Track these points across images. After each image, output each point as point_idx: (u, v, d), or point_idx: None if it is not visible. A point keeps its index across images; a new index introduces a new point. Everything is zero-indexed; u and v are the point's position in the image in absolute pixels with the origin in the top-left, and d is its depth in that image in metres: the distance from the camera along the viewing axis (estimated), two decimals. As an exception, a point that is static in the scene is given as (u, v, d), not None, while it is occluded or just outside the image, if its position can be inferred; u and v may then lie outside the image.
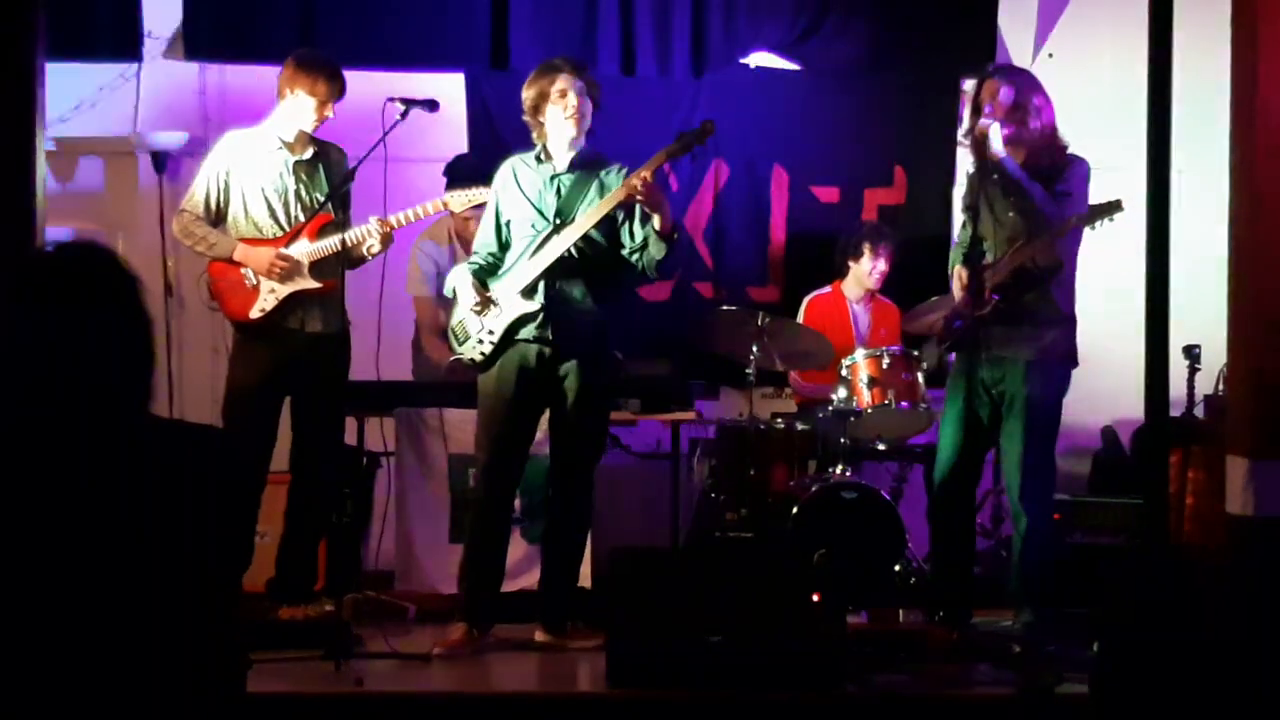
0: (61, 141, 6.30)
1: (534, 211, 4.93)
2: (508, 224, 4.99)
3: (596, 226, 4.85)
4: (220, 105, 6.60)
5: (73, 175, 6.59)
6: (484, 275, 5.00)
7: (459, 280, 5.01)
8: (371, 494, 5.83)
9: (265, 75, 6.10)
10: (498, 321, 4.91)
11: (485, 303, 4.90)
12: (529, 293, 4.88)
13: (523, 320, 4.89)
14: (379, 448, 5.68)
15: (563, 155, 4.96)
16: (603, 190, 4.94)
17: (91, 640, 2.03)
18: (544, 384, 4.93)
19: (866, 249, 6.30)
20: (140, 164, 6.55)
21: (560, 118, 4.89)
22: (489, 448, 4.96)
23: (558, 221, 4.90)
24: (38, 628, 2.02)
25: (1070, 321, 4.99)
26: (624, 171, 4.95)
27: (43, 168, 4.47)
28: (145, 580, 2.05)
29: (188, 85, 6.60)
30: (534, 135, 5.00)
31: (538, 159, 4.98)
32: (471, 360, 4.99)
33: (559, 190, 4.94)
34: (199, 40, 6.51)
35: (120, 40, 6.46)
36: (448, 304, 6.05)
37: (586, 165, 4.97)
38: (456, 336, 5.02)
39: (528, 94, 4.96)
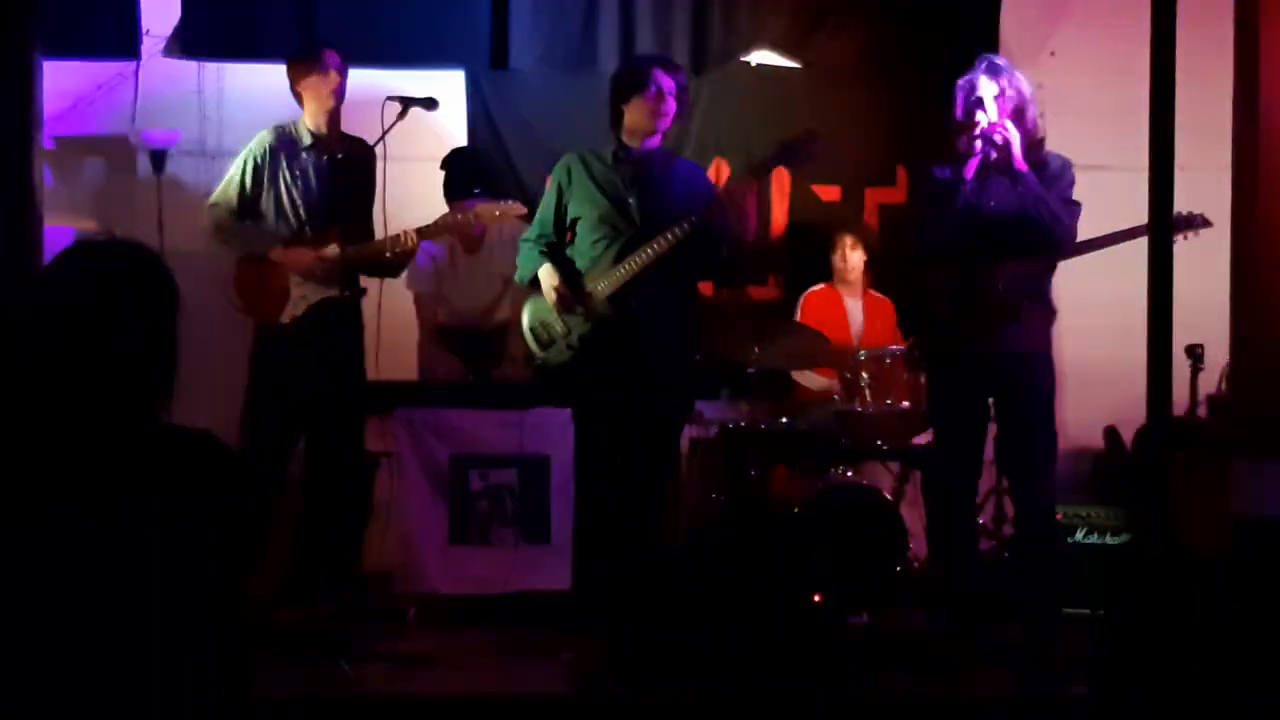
0: (59, 140, 6.28)
1: (614, 212, 4.88)
2: (574, 220, 4.93)
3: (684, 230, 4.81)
4: (218, 104, 6.58)
5: (70, 174, 6.57)
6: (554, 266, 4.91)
7: (544, 276, 4.89)
8: (371, 494, 5.82)
9: (264, 74, 6.10)
10: (589, 326, 4.85)
11: (573, 304, 4.83)
12: (621, 298, 4.83)
13: (616, 326, 4.84)
14: (379, 448, 5.67)
15: (643, 153, 4.91)
16: (688, 193, 4.89)
17: (94, 650, 2.02)
18: (633, 386, 4.87)
19: (840, 240, 6.33)
20: (138, 162, 6.53)
21: (644, 111, 4.85)
22: (584, 452, 4.95)
23: (642, 224, 4.85)
24: (43, 634, 2.02)
25: (1055, 311, 4.98)
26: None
27: (40, 166, 4.46)
28: (150, 590, 2.05)
29: (186, 84, 6.58)
30: (610, 124, 4.96)
31: (615, 156, 4.93)
32: (560, 365, 4.95)
33: (643, 191, 4.89)
34: (197, 39, 6.48)
35: (118, 38, 6.43)
36: (447, 302, 6.06)
37: (669, 166, 4.94)
38: (539, 339, 4.95)
39: (615, 82, 4.93)
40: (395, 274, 5.27)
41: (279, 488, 5.09)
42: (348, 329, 5.21)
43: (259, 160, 5.17)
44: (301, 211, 5.17)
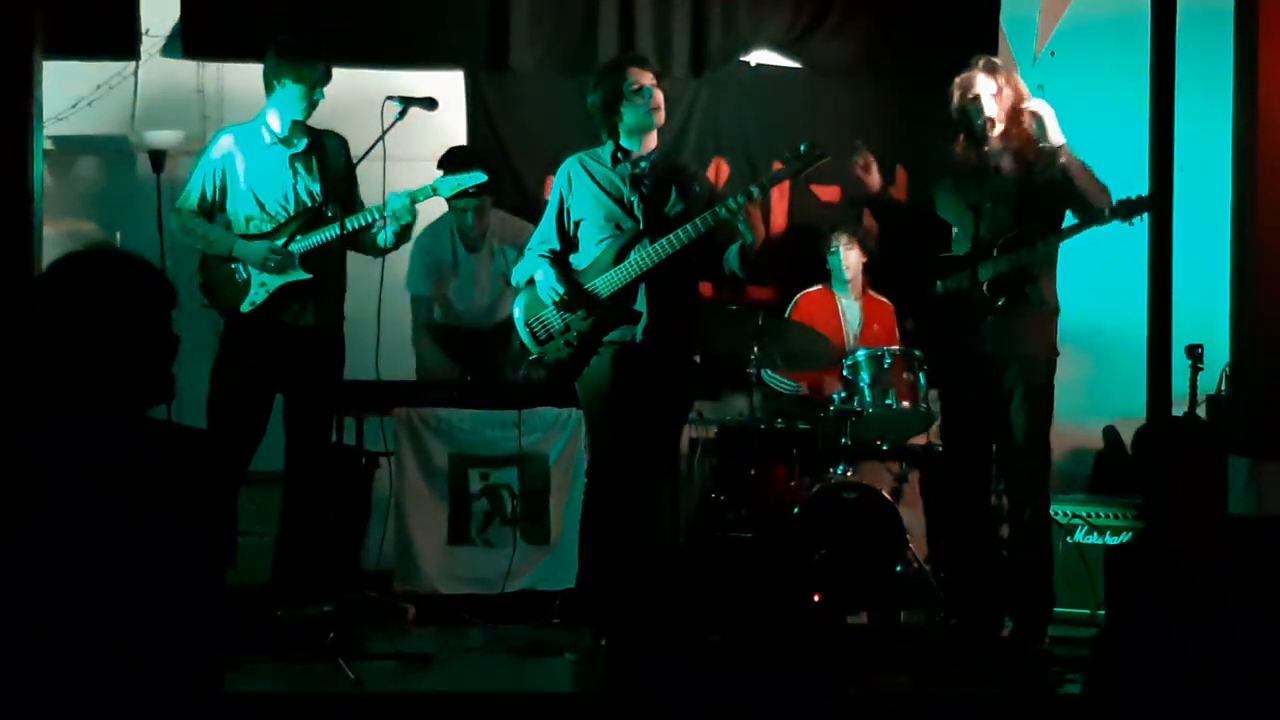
0: (59, 140, 6.28)
1: (618, 212, 4.88)
2: (577, 223, 4.94)
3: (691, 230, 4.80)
4: (218, 103, 6.58)
5: (70, 174, 6.57)
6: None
7: (542, 274, 4.91)
8: (371, 494, 5.82)
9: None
10: (589, 325, 4.86)
11: (576, 302, 4.85)
12: (624, 298, 4.84)
13: (619, 325, 4.85)
14: (379, 448, 5.67)
15: (641, 154, 4.92)
16: (689, 193, 4.90)
17: (80, 640, 2.04)
18: (639, 383, 4.86)
19: (835, 240, 6.33)
20: (138, 163, 6.53)
21: (641, 112, 4.86)
22: (594, 449, 4.95)
23: (644, 224, 4.86)
24: (32, 627, 2.03)
25: (1058, 312, 4.99)
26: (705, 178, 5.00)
27: (40, 166, 4.46)
28: (133, 581, 2.07)
29: (185, 83, 6.59)
30: (604, 134, 4.96)
31: (613, 158, 4.93)
32: (556, 361, 4.95)
33: (643, 191, 4.89)
34: (196, 38, 6.49)
35: (118, 38, 6.44)
36: (446, 302, 6.06)
37: (670, 165, 4.95)
38: (535, 335, 4.95)
39: (596, 95, 4.92)
40: (395, 244, 5.20)
41: (243, 476, 5.09)
42: (319, 314, 5.18)
43: (220, 160, 5.18)
44: (273, 205, 5.17)
